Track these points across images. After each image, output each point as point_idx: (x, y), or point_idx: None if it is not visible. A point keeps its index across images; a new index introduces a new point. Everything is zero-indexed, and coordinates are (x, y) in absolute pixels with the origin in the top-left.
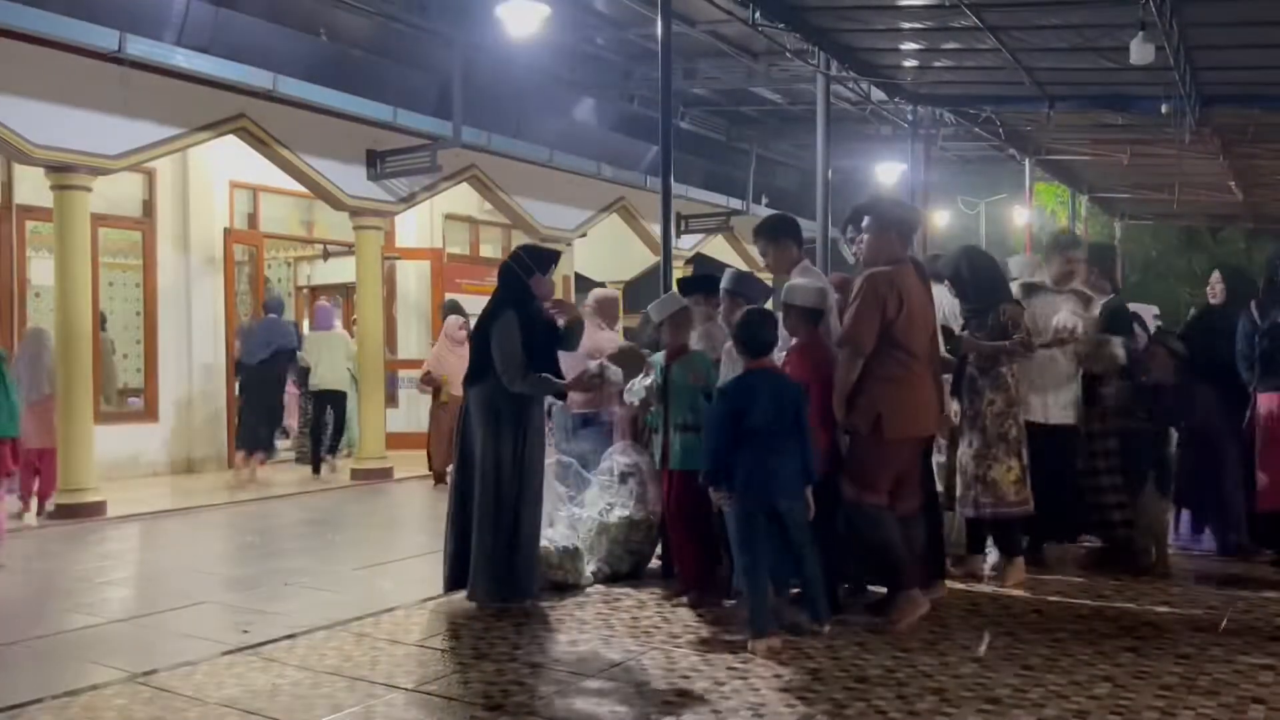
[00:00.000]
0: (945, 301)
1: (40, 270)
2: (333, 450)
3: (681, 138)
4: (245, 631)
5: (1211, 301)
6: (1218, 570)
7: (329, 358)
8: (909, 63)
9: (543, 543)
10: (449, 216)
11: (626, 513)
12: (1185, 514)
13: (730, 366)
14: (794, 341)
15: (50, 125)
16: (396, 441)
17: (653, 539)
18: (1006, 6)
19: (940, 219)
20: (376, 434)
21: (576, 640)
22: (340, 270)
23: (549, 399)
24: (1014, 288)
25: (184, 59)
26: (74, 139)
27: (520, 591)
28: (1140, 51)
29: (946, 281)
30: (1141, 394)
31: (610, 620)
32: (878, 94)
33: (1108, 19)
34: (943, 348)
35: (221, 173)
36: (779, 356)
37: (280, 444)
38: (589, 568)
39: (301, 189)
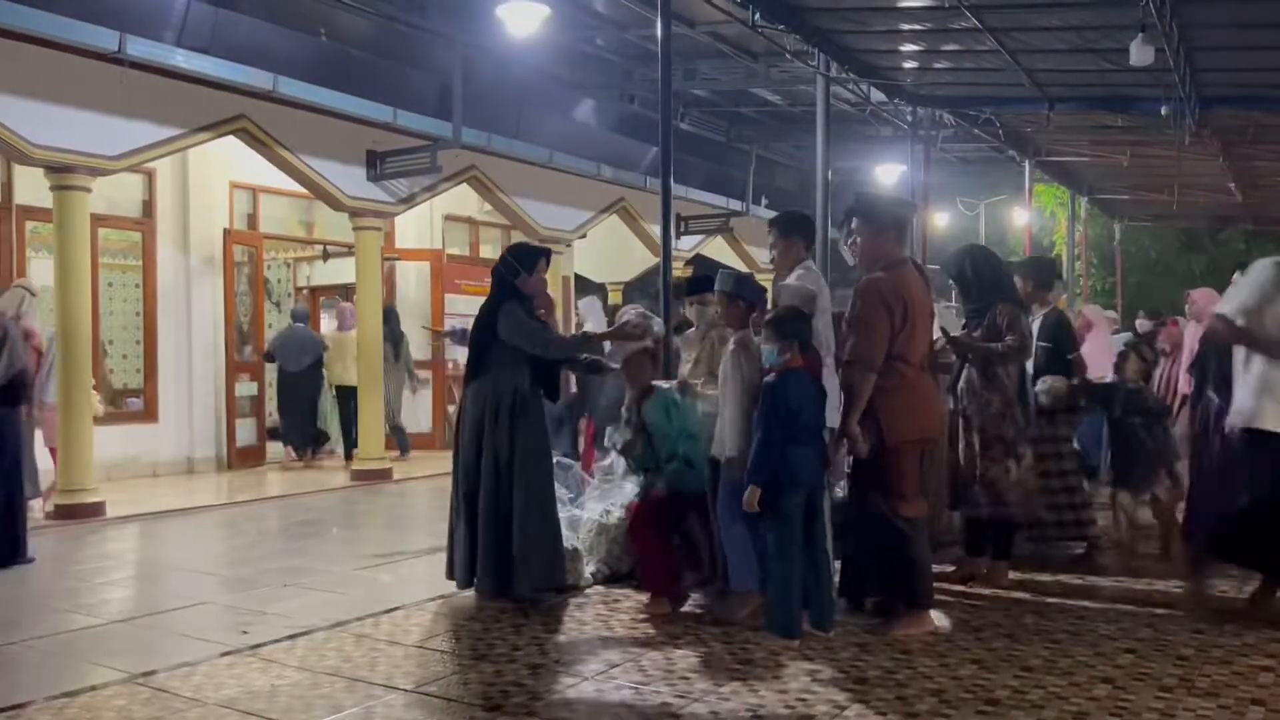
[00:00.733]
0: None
1: (40, 271)
2: (356, 444)
3: (681, 139)
4: (245, 632)
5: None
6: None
7: (352, 355)
8: (909, 64)
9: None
10: (449, 217)
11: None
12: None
13: (736, 366)
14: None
15: (50, 125)
16: (395, 442)
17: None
18: (1006, 8)
19: (940, 220)
20: (376, 435)
21: (576, 641)
22: (340, 271)
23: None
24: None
25: (184, 59)
26: (74, 139)
27: (529, 584)
28: (1140, 53)
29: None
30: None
31: (610, 621)
32: (877, 95)
33: (1108, 20)
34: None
35: (221, 173)
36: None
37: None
38: (588, 568)
39: (301, 189)
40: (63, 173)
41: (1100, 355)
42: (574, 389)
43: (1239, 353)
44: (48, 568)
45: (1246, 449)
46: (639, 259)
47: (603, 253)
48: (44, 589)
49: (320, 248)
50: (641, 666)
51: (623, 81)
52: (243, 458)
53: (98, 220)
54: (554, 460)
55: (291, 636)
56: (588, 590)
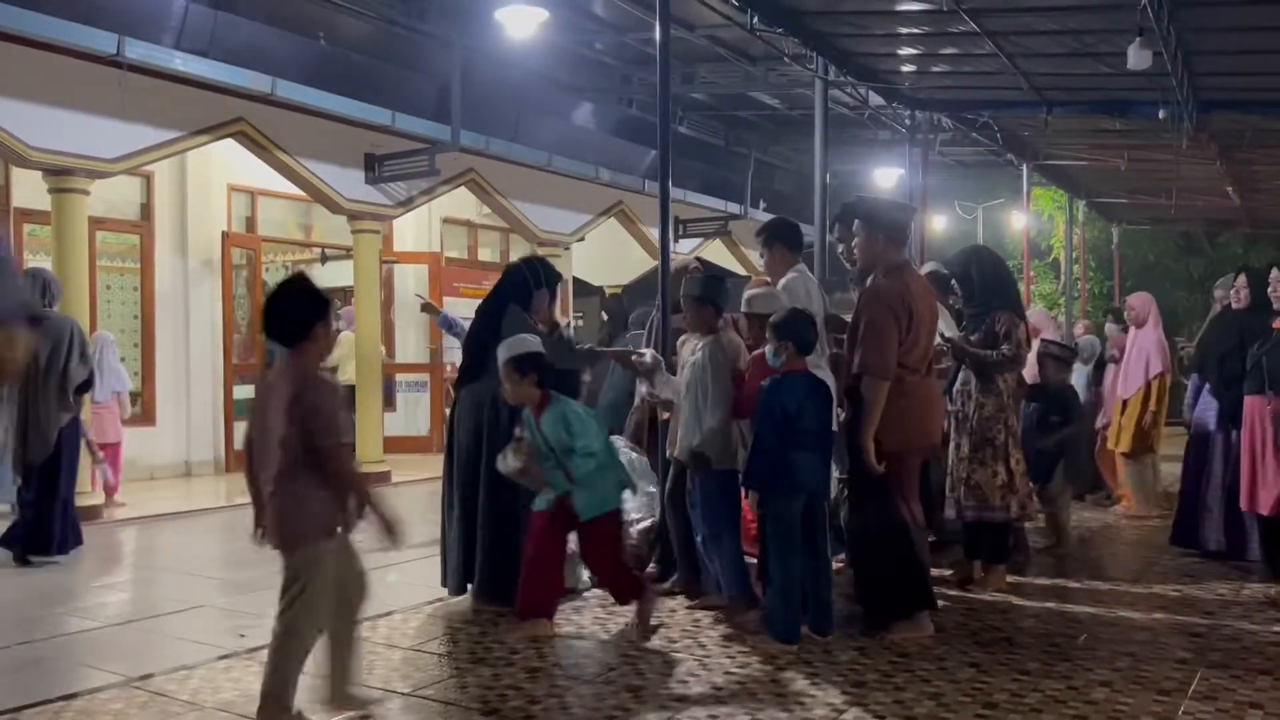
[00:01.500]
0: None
1: None
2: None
3: (680, 142)
4: (242, 636)
5: (1234, 306)
6: (1214, 573)
7: (352, 355)
8: (907, 68)
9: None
10: (447, 220)
11: (624, 516)
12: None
13: (712, 364)
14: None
15: (48, 128)
16: (393, 445)
17: (650, 542)
18: (1005, 12)
19: (938, 224)
20: (374, 438)
21: (574, 644)
22: (338, 274)
23: None
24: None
25: (182, 62)
26: (72, 142)
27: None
28: (1138, 57)
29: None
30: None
31: (607, 624)
32: (876, 99)
33: (1106, 24)
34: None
35: (219, 176)
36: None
37: None
38: (586, 572)
39: (300, 192)
40: (60, 175)
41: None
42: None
43: None
44: (45, 570)
45: None
46: (637, 262)
47: (601, 256)
48: (41, 592)
49: (318, 251)
50: (639, 670)
51: (621, 85)
52: (241, 461)
53: (95, 223)
54: None
55: None
56: (585, 594)
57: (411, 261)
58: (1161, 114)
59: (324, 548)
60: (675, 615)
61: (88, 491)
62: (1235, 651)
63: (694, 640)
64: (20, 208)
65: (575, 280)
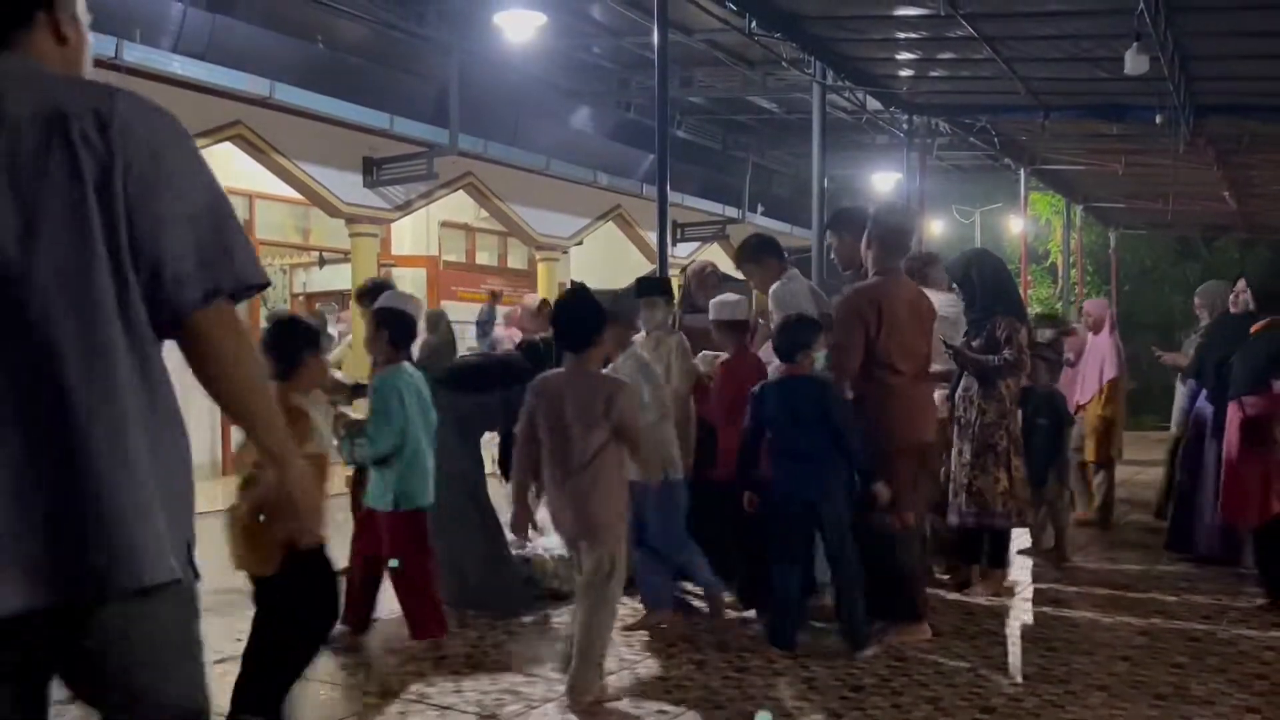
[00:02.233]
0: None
1: None
2: None
3: (678, 146)
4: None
5: (1233, 311)
6: (1211, 577)
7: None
8: (905, 72)
9: (539, 552)
10: (445, 224)
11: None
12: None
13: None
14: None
15: None
16: None
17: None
18: (1002, 17)
19: (936, 228)
20: None
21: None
22: (336, 277)
23: None
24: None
25: (180, 66)
26: None
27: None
28: (1135, 62)
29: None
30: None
31: None
32: (873, 103)
33: (1103, 29)
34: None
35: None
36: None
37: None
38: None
39: (297, 196)
40: None
41: None
42: None
43: None
44: None
45: None
46: (635, 265)
47: (599, 259)
48: None
49: (316, 254)
50: (636, 674)
51: (619, 89)
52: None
53: None
54: None
55: None
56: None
57: (409, 265)
58: (1158, 119)
59: (623, 529)
60: (672, 619)
61: None
62: (1232, 656)
63: (690, 643)
64: None
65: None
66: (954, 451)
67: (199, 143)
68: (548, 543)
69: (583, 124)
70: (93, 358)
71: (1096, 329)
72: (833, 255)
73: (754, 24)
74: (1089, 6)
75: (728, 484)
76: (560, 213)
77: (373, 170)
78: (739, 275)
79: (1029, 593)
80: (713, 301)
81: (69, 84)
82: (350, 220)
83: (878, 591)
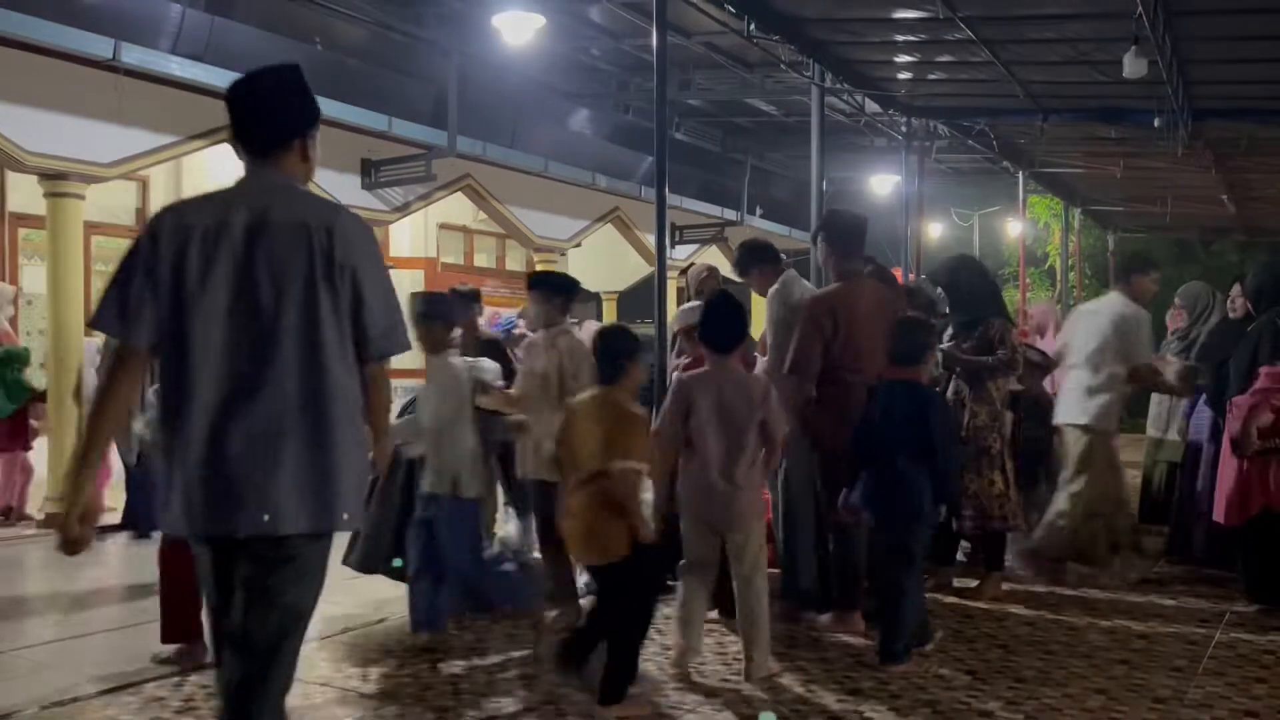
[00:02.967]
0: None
1: (32, 278)
2: None
3: (676, 148)
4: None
5: (1231, 316)
6: (1210, 581)
7: None
8: (903, 75)
9: (536, 554)
10: (443, 226)
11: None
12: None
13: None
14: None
15: (44, 133)
16: None
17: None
18: (1001, 20)
19: (934, 231)
20: None
21: None
22: None
23: None
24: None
25: (179, 67)
26: (67, 147)
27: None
28: (1133, 65)
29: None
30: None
31: None
32: (872, 106)
33: (1101, 33)
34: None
35: (215, 181)
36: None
37: None
38: (581, 579)
39: None
40: (56, 180)
41: None
42: None
43: None
44: (38, 576)
45: None
46: (634, 268)
47: (598, 261)
48: (34, 598)
49: None
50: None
51: (618, 91)
52: None
53: (91, 228)
54: None
55: None
56: (580, 600)
57: (407, 267)
58: (1157, 122)
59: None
60: (669, 623)
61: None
62: (1230, 660)
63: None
64: (15, 212)
65: None
66: None
67: (197, 144)
68: None
69: (581, 126)
70: (318, 376)
71: (1041, 332)
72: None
73: (753, 26)
74: (1087, 10)
75: None
76: (559, 215)
77: (371, 172)
78: (737, 278)
79: (1026, 596)
80: (680, 309)
81: (312, 201)
82: None
83: (825, 581)
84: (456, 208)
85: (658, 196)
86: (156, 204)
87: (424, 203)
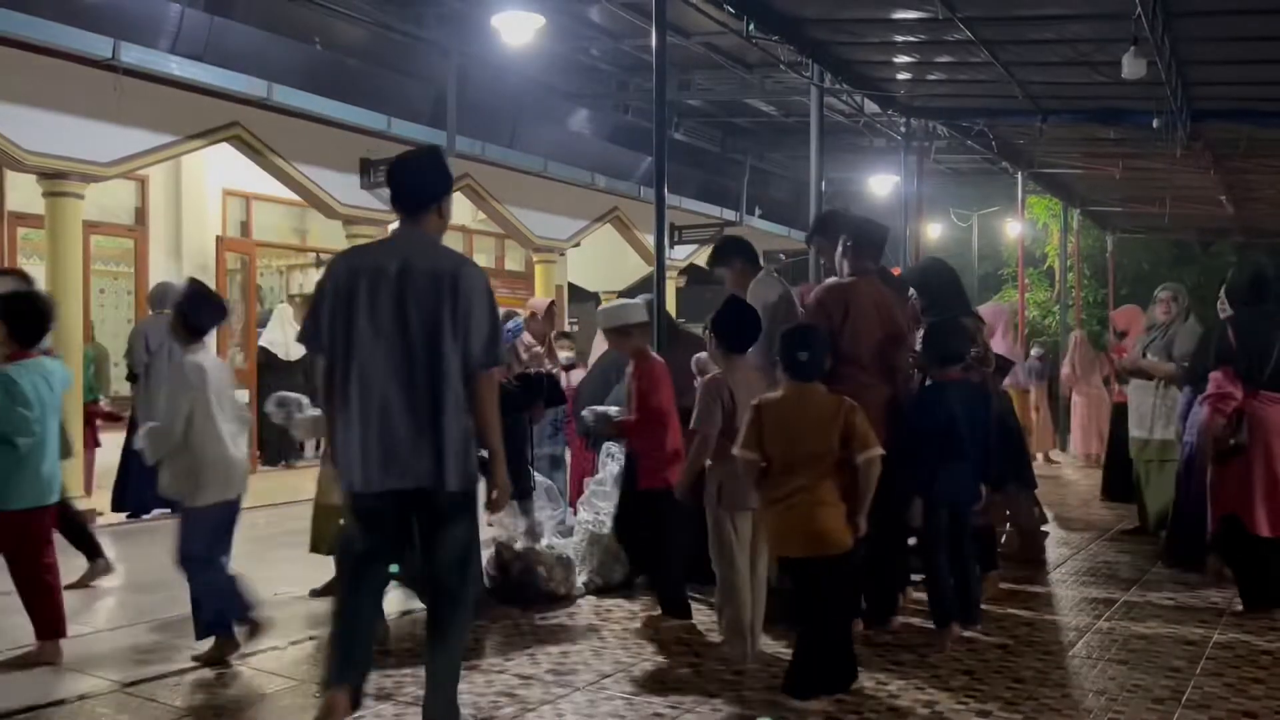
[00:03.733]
0: None
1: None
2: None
3: (675, 148)
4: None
5: (1223, 318)
6: (1208, 582)
7: None
8: (902, 76)
9: (539, 547)
10: None
11: None
12: None
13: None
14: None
15: (43, 132)
16: None
17: (509, 565)
18: (1000, 21)
19: (933, 231)
20: None
21: (568, 651)
22: None
23: None
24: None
25: (178, 67)
26: (66, 146)
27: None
28: (1132, 66)
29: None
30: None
31: (601, 631)
32: (871, 106)
33: (1100, 34)
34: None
35: (214, 180)
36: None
37: None
38: (580, 578)
39: (295, 197)
40: (55, 179)
41: None
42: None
43: None
44: None
45: None
46: (633, 268)
47: (597, 262)
48: None
49: (313, 256)
50: (633, 677)
51: (617, 91)
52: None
53: (90, 227)
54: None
55: (282, 646)
56: (579, 600)
57: None
58: (1156, 123)
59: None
60: (669, 623)
61: (79, 495)
62: (1229, 660)
63: (687, 647)
64: (14, 211)
65: (571, 286)
66: None
67: (196, 144)
68: (544, 543)
69: (581, 126)
70: (441, 379)
71: (989, 334)
72: (822, 261)
73: (752, 27)
74: (1087, 10)
75: (649, 492)
76: (558, 215)
77: (370, 171)
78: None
79: (1025, 596)
80: (598, 311)
81: (444, 253)
82: (347, 221)
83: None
84: (456, 207)
85: (657, 196)
86: (155, 203)
87: None
